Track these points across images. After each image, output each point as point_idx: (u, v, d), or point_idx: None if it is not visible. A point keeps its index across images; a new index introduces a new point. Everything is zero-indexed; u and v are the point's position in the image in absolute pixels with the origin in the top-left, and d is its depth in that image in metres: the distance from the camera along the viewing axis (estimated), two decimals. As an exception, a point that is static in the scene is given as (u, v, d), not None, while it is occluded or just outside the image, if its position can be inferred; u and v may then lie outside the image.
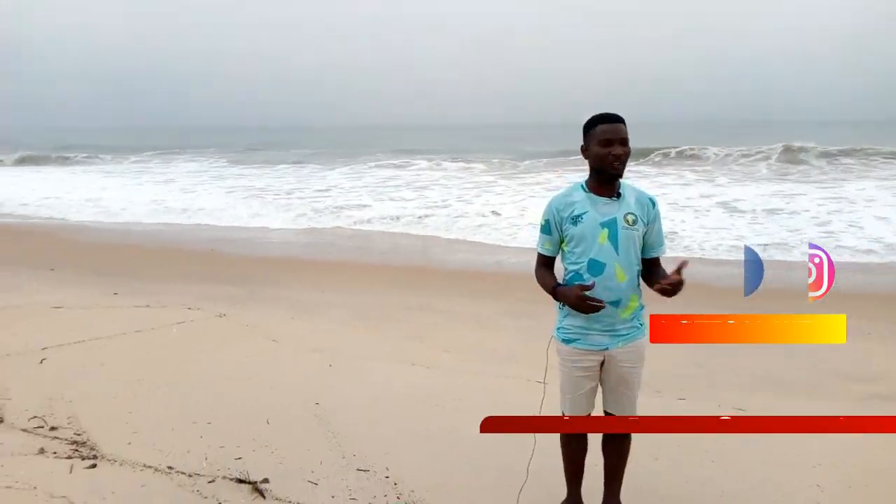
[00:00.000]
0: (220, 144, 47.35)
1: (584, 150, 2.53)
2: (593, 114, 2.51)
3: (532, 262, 2.69)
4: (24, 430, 3.48)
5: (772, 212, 12.54)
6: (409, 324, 6.16)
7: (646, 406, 4.04)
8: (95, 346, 5.16)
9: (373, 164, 27.03)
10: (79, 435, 3.43)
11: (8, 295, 7.25)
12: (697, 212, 12.74)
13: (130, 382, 4.32)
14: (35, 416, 3.64)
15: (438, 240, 11.45)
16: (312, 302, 7.02)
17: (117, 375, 4.47)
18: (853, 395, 4.37)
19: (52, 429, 3.51)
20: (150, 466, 3.10)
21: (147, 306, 6.68)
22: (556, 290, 2.52)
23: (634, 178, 20.00)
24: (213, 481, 2.98)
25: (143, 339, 5.43)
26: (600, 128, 2.45)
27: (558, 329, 2.64)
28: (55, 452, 3.21)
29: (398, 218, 13.42)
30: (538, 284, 2.63)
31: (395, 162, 27.48)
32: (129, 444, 3.36)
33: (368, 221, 13.31)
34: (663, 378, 4.63)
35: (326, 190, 18.77)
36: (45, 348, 5.04)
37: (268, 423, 3.67)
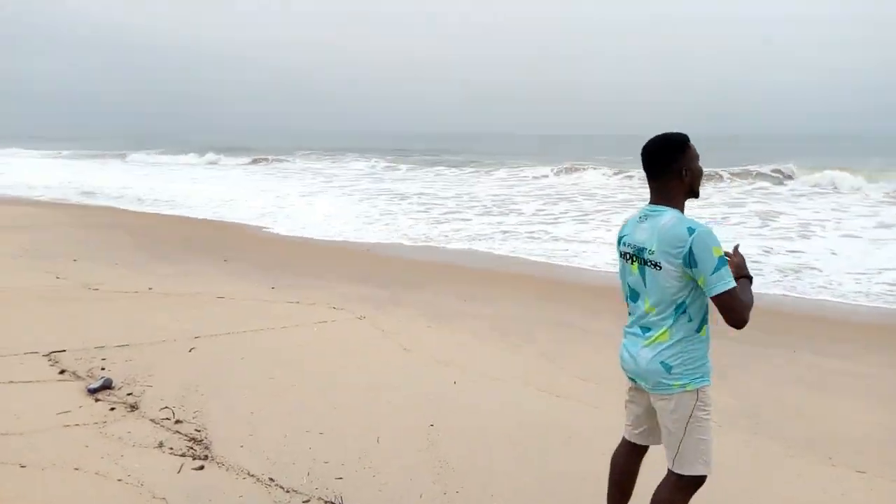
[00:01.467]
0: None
1: (685, 171, 2.28)
2: (664, 135, 2.31)
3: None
4: (153, 421, 3.67)
5: None
6: (545, 342, 5.80)
7: (813, 475, 3.37)
8: (241, 339, 5.42)
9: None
10: (199, 431, 3.55)
11: (187, 280, 7.97)
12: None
13: (262, 380, 4.44)
14: (166, 407, 3.84)
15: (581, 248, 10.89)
16: (452, 310, 6.90)
17: (252, 371, 4.63)
18: None
19: (178, 422, 3.66)
20: (252, 475, 3.10)
21: (297, 302, 6.97)
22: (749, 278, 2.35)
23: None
24: (307, 501, 2.88)
25: (285, 336, 5.62)
26: (692, 145, 2.33)
27: (703, 370, 2.30)
28: (171, 448, 3.33)
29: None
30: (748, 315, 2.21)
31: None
32: (242, 446, 3.40)
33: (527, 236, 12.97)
34: (840, 442, 3.87)
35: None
36: (198, 337, 5.38)
37: (378, 441, 3.55)
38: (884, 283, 8.33)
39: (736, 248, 2.43)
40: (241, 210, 16.45)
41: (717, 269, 2.10)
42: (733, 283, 2.12)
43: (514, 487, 3.13)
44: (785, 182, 21.38)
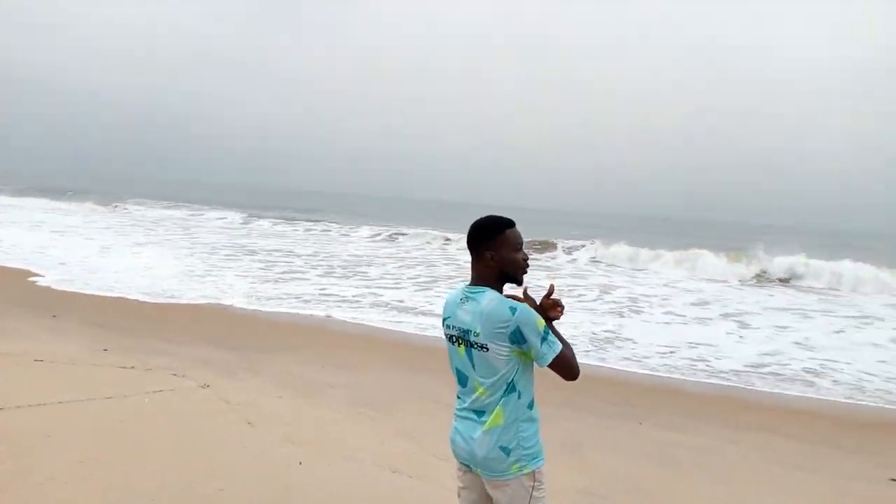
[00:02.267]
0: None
1: (492, 257, 2.24)
2: (487, 217, 2.32)
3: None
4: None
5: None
6: (406, 416, 5.59)
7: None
8: (53, 413, 4.72)
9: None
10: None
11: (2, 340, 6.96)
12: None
13: (69, 464, 3.83)
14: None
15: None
16: (307, 379, 6.52)
17: (58, 452, 3.99)
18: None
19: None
20: None
21: (132, 367, 6.29)
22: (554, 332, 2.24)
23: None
24: None
25: (109, 409, 4.97)
26: (511, 232, 2.27)
27: (537, 449, 2.26)
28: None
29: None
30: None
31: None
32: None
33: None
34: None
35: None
36: (2, 409, 4.62)
37: (202, 539, 3.12)
38: (688, 357, 8.88)
39: (525, 290, 2.37)
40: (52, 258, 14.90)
41: (544, 339, 2.13)
42: (560, 345, 2.17)
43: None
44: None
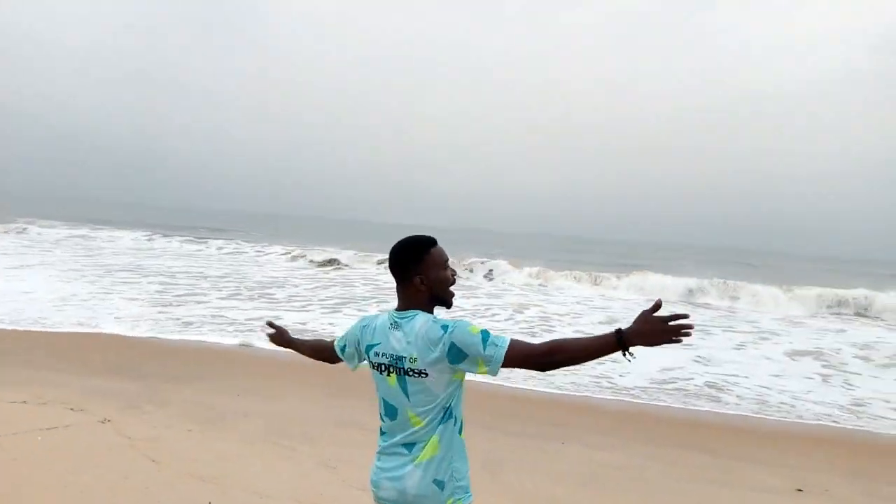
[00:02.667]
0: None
1: (422, 280, 2.09)
2: (407, 239, 2.16)
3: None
4: None
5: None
6: (325, 446, 5.36)
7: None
8: (-72, 457, 4.23)
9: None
10: None
11: None
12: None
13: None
14: None
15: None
16: (221, 409, 6.17)
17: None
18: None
19: None
20: None
21: (24, 402, 5.76)
22: (621, 335, 1.84)
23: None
24: None
25: (-5, 450, 4.51)
26: (436, 250, 2.13)
27: (467, 481, 2.14)
28: None
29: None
30: (569, 349, 1.91)
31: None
32: None
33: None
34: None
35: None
36: None
37: None
38: (591, 375, 9.05)
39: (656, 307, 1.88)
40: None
41: (485, 342, 1.95)
42: (508, 338, 1.97)
43: None
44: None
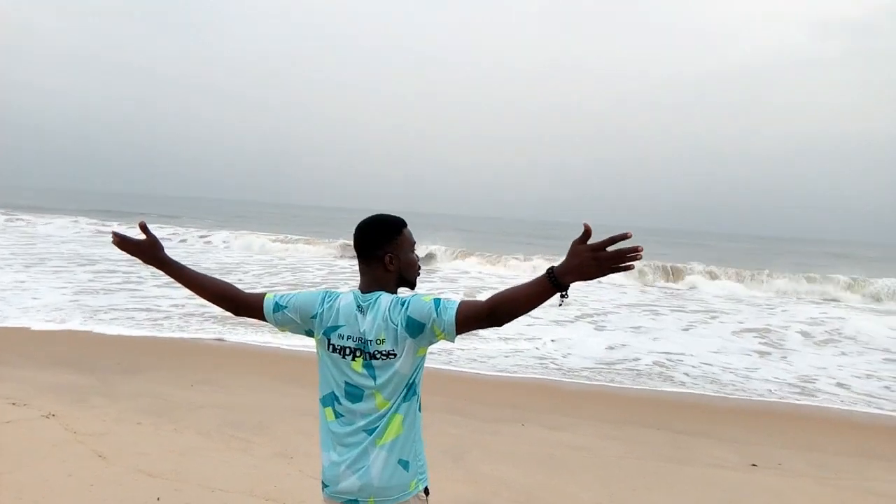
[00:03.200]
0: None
1: (391, 260, 2.03)
2: (376, 217, 2.09)
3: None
4: None
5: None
6: (282, 435, 5.23)
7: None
8: None
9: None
10: None
11: None
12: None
13: None
14: None
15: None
16: (174, 401, 5.97)
17: None
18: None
19: None
20: None
21: (-38, 399, 5.47)
22: (555, 271, 1.73)
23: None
24: None
25: (-73, 450, 4.26)
26: (407, 231, 2.09)
27: (425, 462, 2.08)
28: None
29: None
30: (509, 298, 1.80)
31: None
32: None
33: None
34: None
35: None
36: None
37: None
38: (534, 356, 9.21)
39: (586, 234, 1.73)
40: None
41: (437, 307, 1.90)
42: (457, 300, 1.92)
43: None
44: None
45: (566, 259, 1.72)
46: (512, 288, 1.84)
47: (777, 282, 21.15)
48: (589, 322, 12.68)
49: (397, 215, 2.10)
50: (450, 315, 1.88)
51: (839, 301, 19.66)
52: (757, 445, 5.91)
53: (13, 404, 5.41)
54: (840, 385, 8.71)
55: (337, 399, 2.04)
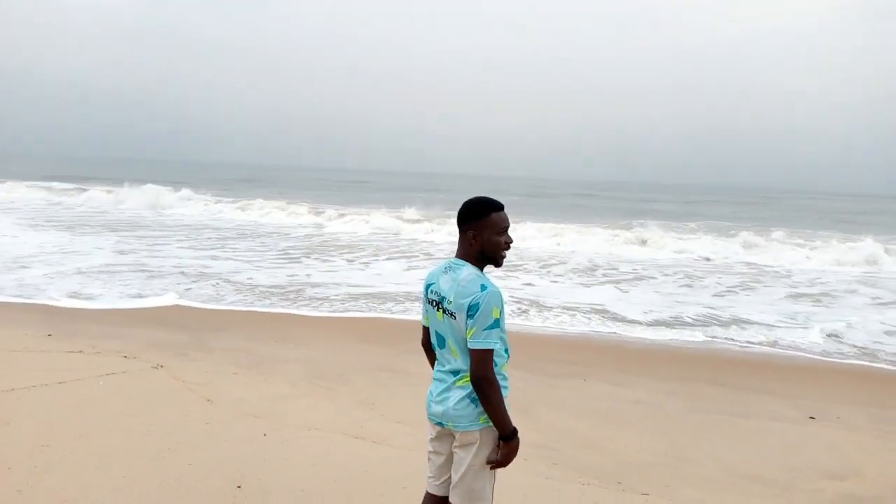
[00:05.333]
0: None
1: (474, 236, 2.38)
2: (477, 198, 2.42)
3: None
4: None
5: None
6: (362, 386, 5.73)
7: (607, 501, 3.70)
8: (8, 400, 4.66)
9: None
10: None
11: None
12: None
13: (35, 448, 3.84)
14: None
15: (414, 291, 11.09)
16: (262, 355, 6.57)
17: (22, 439, 3.98)
18: (827, 496, 4.06)
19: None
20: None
21: (80, 352, 6.19)
22: (516, 438, 2.39)
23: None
24: None
25: (64, 393, 4.93)
26: (497, 216, 2.38)
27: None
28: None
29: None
30: (492, 393, 2.29)
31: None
32: (8, 536, 2.89)
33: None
34: (628, 468, 4.29)
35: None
36: (-50, 400, 4.53)
37: (178, 511, 3.22)
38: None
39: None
40: None
41: (489, 327, 2.25)
42: (494, 346, 2.27)
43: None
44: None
45: (510, 447, 2.37)
46: (499, 397, 2.31)
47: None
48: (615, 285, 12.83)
49: (496, 199, 2.42)
50: (472, 342, 2.26)
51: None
52: (816, 401, 6.05)
53: (125, 357, 6.09)
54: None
55: (433, 344, 2.49)
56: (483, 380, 2.26)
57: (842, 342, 8.65)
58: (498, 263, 2.43)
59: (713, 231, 24.22)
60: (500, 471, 2.44)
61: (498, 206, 2.40)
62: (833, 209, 52.67)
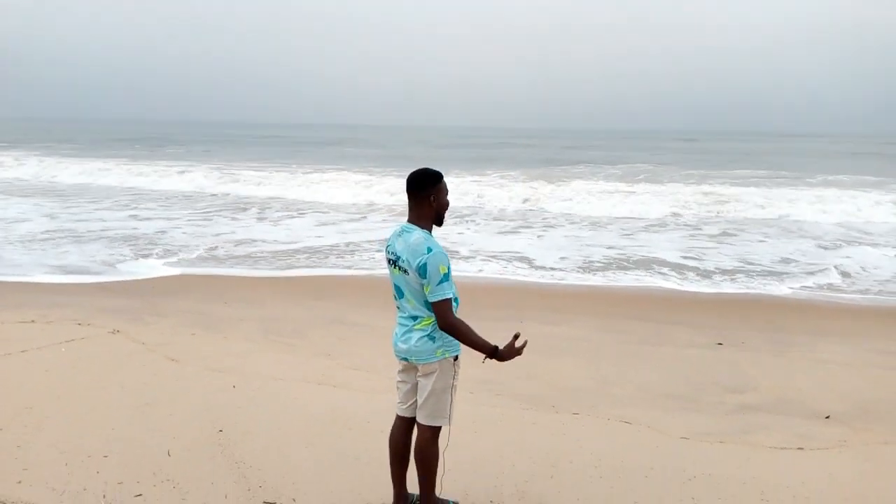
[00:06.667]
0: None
1: (430, 200, 2.83)
2: (425, 169, 2.89)
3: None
4: None
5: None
6: (319, 339, 6.13)
7: (543, 421, 4.29)
8: (-26, 371, 4.83)
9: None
10: (-40, 476, 3.23)
11: None
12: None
13: (18, 410, 4.09)
14: None
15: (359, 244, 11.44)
16: (216, 316, 6.84)
17: (2, 403, 4.21)
18: (727, 407, 4.79)
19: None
20: (44, 508, 2.98)
21: (32, 322, 6.30)
22: (498, 352, 2.81)
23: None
24: (111, 522, 2.90)
25: (29, 360, 5.12)
26: (444, 182, 2.89)
27: (456, 344, 2.90)
28: (-66, 495, 3.02)
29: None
30: (461, 333, 2.75)
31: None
32: (20, 482, 3.19)
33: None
34: (561, 394, 4.90)
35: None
36: (-83, 373, 4.66)
37: (168, 454, 3.58)
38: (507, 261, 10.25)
39: (517, 335, 2.88)
40: None
41: (440, 282, 2.71)
42: (449, 295, 2.73)
43: (311, 473, 3.46)
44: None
45: (506, 350, 2.83)
46: (467, 331, 2.75)
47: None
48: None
49: (437, 169, 2.90)
50: (434, 297, 2.71)
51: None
52: (725, 330, 6.86)
53: (79, 324, 6.25)
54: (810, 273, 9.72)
55: (394, 295, 2.95)
56: (449, 326, 2.74)
57: (746, 275, 9.64)
58: (441, 223, 2.92)
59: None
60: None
61: (442, 175, 2.91)
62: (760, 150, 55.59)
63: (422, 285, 2.74)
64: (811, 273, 9.89)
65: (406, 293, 2.84)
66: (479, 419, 4.28)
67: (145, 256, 10.28)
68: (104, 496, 3.12)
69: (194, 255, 10.48)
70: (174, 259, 10.17)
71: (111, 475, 3.32)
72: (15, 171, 25.32)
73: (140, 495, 3.15)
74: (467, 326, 2.78)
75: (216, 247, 11.16)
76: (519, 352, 2.86)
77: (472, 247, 11.57)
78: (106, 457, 3.52)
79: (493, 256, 10.74)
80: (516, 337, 2.86)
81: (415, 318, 2.85)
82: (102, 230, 12.63)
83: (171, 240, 11.78)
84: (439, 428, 2.93)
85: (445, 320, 2.73)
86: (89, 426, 3.92)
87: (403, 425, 3.04)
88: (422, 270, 2.70)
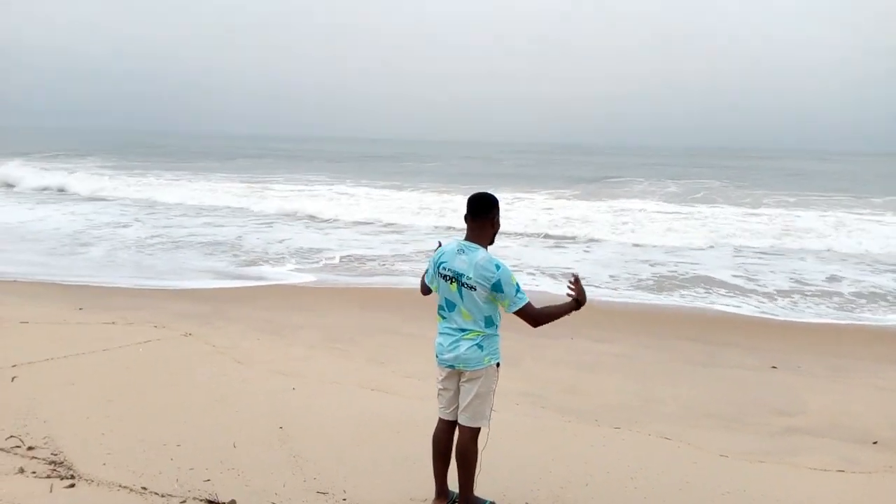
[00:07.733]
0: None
1: (494, 222, 3.15)
2: (486, 193, 3.21)
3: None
4: (2, 450, 3.66)
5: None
6: (373, 348, 6.44)
7: (584, 434, 4.44)
8: (65, 364, 5.33)
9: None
10: (56, 455, 3.64)
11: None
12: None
13: (102, 403, 4.52)
14: (12, 436, 3.83)
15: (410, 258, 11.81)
16: (279, 323, 7.25)
17: (88, 395, 4.66)
18: (773, 429, 4.81)
19: (30, 448, 3.70)
20: (125, 487, 3.34)
21: (113, 323, 6.84)
22: (578, 303, 3.13)
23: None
24: (184, 502, 3.23)
25: (111, 358, 5.60)
26: (499, 205, 3.21)
27: (499, 353, 3.19)
28: (34, 472, 3.42)
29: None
30: (551, 316, 3.10)
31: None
32: (105, 464, 3.58)
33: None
34: (604, 408, 5.03)
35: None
36: (15, 366, 5.19)
37: (234, 446, 3.92)
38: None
39: (576, 277, 3.20)
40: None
41: (516, 291, 3.01)
42: (527, 299, 3.03)
43: (361, 469, 3.73)
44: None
45: (581, 296, 3.14)
46: (551, 311, 3.10)
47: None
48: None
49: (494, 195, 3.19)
50: (517, 306, 3.02)
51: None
52: (781, 353, 6.80)
53: (155, 327, 6.76)
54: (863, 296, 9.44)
55: (441, 306, 3.21)
56: (541, 321, 3.09)
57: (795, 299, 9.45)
58: (493, 242, 3.18)
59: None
60: (494, 413, 3.20)
61: (498, 200, 3.20)
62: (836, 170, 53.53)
63: (494, 300, 3.01)
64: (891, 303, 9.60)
65: (460, 307, 3.09)
66: (522, 428, 4.47)
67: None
68: (177, 480, 3.47)
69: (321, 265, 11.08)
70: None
71: (183, 462, 3.68)
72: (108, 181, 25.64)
73: (209, 480, 3.49)
74: (547, 309, 3.09)
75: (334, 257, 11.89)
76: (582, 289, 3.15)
77: (520, 261, 11.75)
78: (179, 446, 3.89)
79: (540, 270, 10.90)
80: (577, 281, 3.16)
81: (464, 330, 3.10)
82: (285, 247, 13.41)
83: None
84: (479, 429, 3.16)
85: (535, 320, 3.06)
86: (165, 418, 4.31)
87: (446, 427, 3.28)
88: (497, 287, 2.97)
